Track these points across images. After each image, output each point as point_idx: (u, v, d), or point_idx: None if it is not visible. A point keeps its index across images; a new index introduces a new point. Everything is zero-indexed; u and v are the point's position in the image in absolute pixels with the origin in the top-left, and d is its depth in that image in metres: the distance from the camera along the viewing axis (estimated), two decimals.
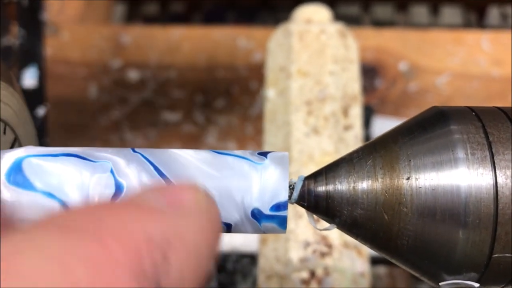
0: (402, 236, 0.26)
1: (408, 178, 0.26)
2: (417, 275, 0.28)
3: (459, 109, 0.27)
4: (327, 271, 0.49)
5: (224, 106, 0.92)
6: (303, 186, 0.28)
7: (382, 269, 0.81)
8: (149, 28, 0.98)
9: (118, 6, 1.15)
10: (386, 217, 0.26)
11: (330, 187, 0.27)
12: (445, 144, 0.26)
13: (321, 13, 0.60)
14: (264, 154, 0.29)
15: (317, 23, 0.59)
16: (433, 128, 0.26)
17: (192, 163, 0.28)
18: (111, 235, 0.18)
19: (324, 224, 0.30)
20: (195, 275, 0.19)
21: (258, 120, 0.91)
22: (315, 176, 0.28)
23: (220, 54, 0.95)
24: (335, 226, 0.28)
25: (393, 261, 0.28)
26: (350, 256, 0.50)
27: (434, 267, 0.26)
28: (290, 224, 0.49)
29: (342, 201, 0.27)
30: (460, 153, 0.25)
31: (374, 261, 0.61)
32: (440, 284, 0.27)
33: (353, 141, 0.54)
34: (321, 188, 0.28)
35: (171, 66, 0.94)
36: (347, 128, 0.54)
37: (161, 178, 0.27)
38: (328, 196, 0.27)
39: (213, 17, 1.20)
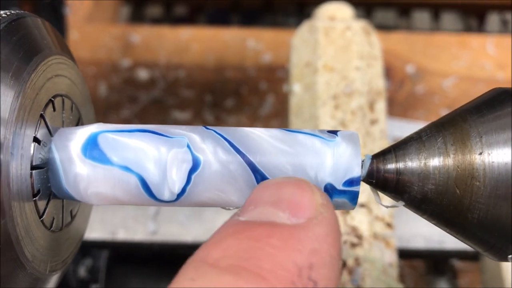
0: (473, 210, 0.27)
1: (480, 153, 0.27)
2: (480, 250, 0.29)
3: None
4: (358, 262, 0.49)
5: (234, 106, 0.92)
6: (371, 164, 0.29)
7: None
8: (158, 28, 0.99)
9: (123, 9, 1.16)
10: (457, 191, 0.27)
11: (401, 164, 0.28)
12: None
13: (344, 11, 0.61)
14: (333, 132, 0.29)
15: (341, 20, 0.60)
16: (502, 106, 0.27)
17: (264, 139, 0.28)
18: (268, 271, 0.20)
19: (388, 202, 0.31)
20: (335, 281, 0.22)
21: (267, 119, 0.91)
22: (384, 154, 0.29)
23: (229, 55, 0.96)
24: (403, 203, 0.29)
25: (458, 236, 0.29)
26: (379, 247, 0.51)
27: (502, 240, 0.27)
28: None
29: (413, 177, 0.28)
30: None
31: None
32: (509, 256, 0.27)
33: (379, 135, 0.55)
34: (391, 166, 0.28)
35: (180, 66, 0.95)
36: (373, 122, 0.55)
37: (237, 154, 0.28)
38: (398, 172, 0.28)
39: (217, 20, 1.21)
